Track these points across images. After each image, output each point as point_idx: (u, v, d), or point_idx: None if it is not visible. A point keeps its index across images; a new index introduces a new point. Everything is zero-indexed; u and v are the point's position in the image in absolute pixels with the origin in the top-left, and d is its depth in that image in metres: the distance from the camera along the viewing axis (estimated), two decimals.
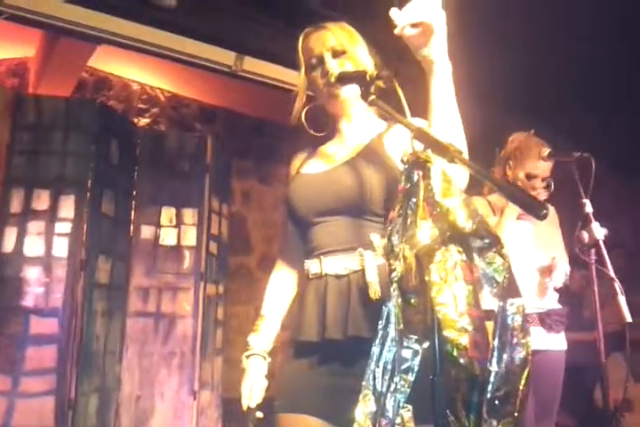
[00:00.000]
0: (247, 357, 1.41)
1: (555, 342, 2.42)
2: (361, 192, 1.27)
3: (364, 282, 1.24)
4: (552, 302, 2.48)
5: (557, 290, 2.51)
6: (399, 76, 1.12)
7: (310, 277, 1.33)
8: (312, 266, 1.32)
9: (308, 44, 1.39)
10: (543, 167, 2.46)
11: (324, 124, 1.46)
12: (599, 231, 2.02)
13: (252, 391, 1.37)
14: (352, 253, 1.27)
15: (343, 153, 1.38)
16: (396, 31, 1.14)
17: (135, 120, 3.73)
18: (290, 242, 1.49)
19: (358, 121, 1.41)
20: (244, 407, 1.37)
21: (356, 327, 1.21)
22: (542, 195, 2.46)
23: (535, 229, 2.50)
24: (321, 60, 1.36)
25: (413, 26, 1.13)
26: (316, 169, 1.40)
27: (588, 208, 2.08)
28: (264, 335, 1.44)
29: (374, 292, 1.21)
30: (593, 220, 2.04)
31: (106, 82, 3.72)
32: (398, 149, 1.29)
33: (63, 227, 2.59)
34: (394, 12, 1.13)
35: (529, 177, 2.46)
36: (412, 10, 1.12)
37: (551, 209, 2.49)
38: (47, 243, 2.57)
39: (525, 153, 2.47)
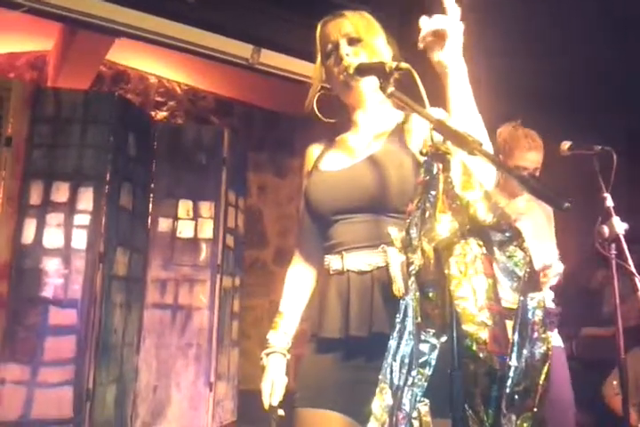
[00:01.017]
0: (267, 355, 1.40)
1: None
2: (384, 190, 1.25)
3: (387, 278, 1.22)
4: None
5: (553, 288, 2.46)
6: (418, 68, 1.12)
7: (331, 272, 1.31)
8: (333, 262, 1.31)
9: (325, 31, 1.38)
10: (532, 159, 2.37)
11: (337, 113, 1.44)
12: (620, 226, 1.99)
13: (274, 389, 1.36)
14: (375, 249, 1.25)
15: (362, 147, 1.37)
16: (419, 44, 1.21)
17: (152, 113, 3.75)
18: (307, 237, 1.47)
19: (374, 112, 1.39)
20: (266, 406, 1.36)
21: (380, 324, 1.20)
22: None
23: (524, 226, 2.41)
24: (336, 47, 1.34)
25: (433, 34, 1.19)
26: (336, 166, 1.37)
27: (609, 202, 2.05)
28: (283, 333, 1.42)
29: (398, 288, 1.20)
30: (614, 214, 2.01)
31: (123, 75, 3.74)
32: (418, 140, 1.27)
33: (82, 219, 2.62)
34: (422, 20, 1.20)
35: (518, 169, 2.35)
36: (434, 20, 1.19)
37: (544, 207, 2.41)
38: (66, 235, 2.59)
39: (513, 145, 2.38)
